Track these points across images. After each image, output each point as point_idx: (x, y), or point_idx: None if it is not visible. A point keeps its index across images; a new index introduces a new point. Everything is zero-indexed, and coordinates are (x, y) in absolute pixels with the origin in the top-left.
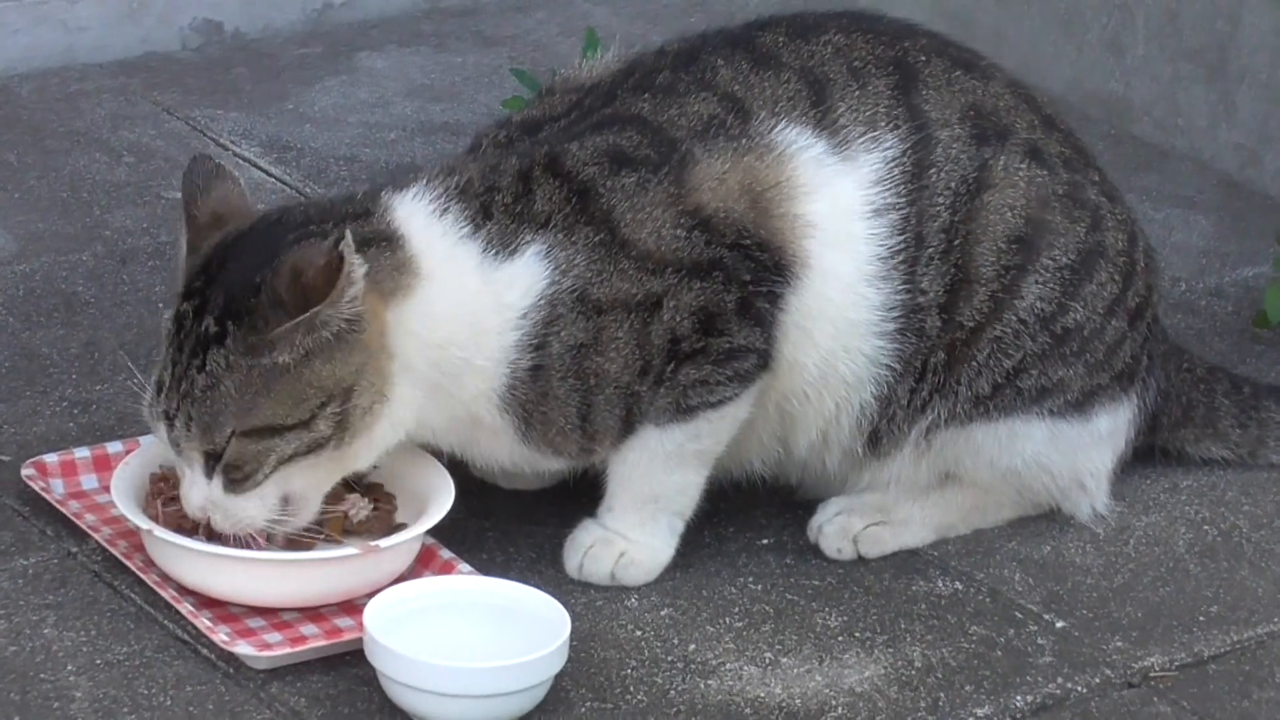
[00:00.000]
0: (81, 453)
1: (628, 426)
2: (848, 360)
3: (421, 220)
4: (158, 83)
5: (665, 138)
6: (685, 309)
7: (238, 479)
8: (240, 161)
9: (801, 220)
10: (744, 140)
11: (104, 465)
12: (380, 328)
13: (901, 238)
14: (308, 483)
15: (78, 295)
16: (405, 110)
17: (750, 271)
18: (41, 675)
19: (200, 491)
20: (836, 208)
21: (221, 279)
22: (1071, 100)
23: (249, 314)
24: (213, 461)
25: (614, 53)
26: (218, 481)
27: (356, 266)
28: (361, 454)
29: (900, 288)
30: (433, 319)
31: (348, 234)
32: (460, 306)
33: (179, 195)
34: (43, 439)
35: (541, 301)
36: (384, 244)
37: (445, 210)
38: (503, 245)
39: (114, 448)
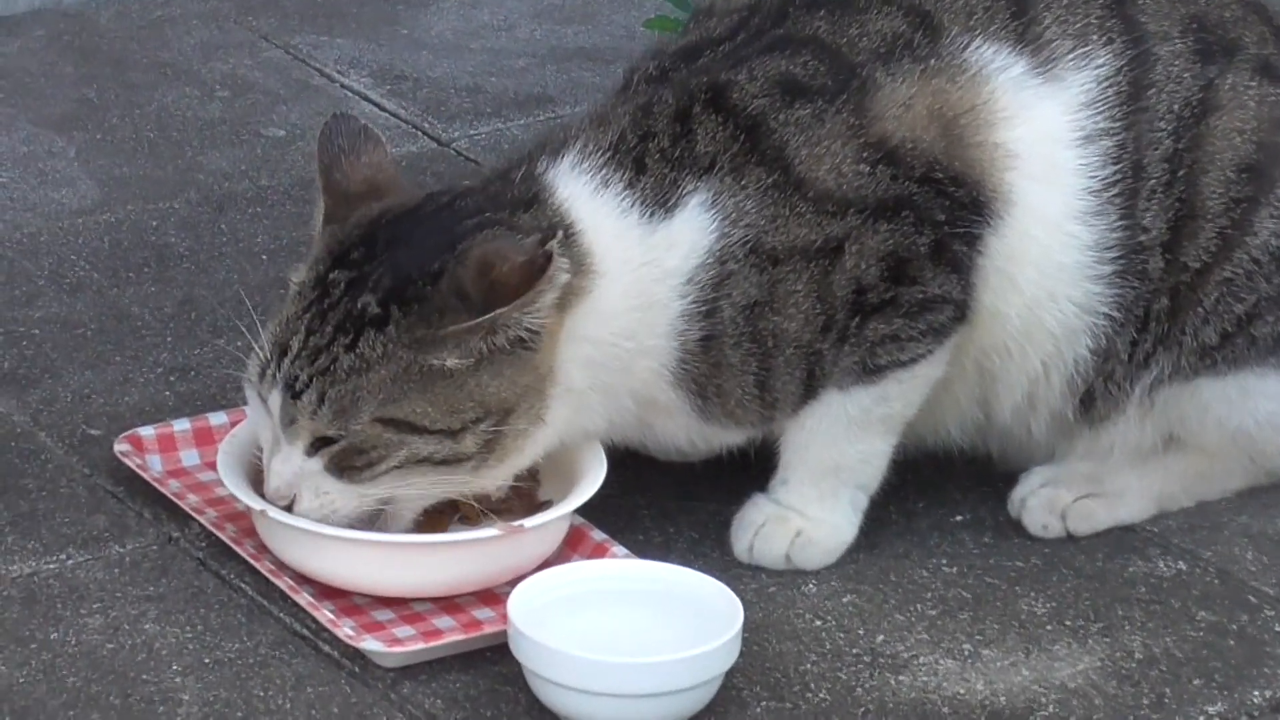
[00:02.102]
0: (181, 425)
1: (809, 390)
2: (1055, 309)
3: (586, 201)
4: (253, 6)
5: (844, 62)
6: (871, 255)
7: (356, 466)
8: (348, 94)
9: (1001, 150)
10: (933, 61)
11: (206, 439)
12: (552, 345)
13: (1116, 168)
14: (425, 490)
15: (170, 248)
16: (533, 34)
17: (944, 210)
18: (144, 676)
19: (292, 468)
20: (1041, 135)
21: (388, 257)
22: None
23: (420, 302)
24: (321, 443)
25: None
26: (317, 462)
27: (562, 271)
28: (495, 478)
29: (1116, 225)
30: (604, 316)
31: (559, 232)
32: (628, 292)
33: (280, 134)
34: (136, 410)
35: (709, 260)
36: (561, 242)
37: (606, 182)
38: (660, 201)
39: (217, 419)
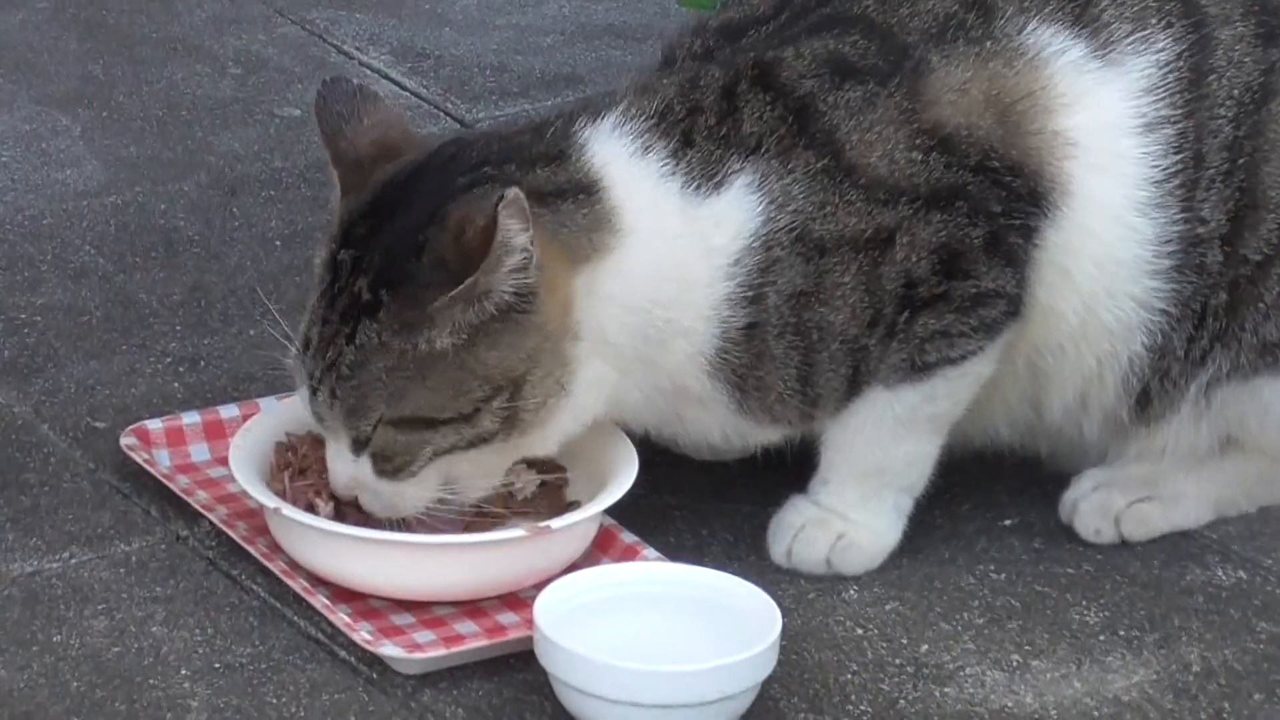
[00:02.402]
0: (190, 418)
1: (853, 387)
2: (1113, 305)
3: (623, 162)
4: None
5: (895, 42)
6: (923, 246)
7: (388, 470)
8: (366, 72)
9: (1060, 138)
10: (988, 43)
11: (217, 432)
12: (563, 302)
13: (1178, 157)
14: (476, 468)
15: (179, 232)
16: (562, 9)
17: (1000, 200)
18: (151, 681)
19: (346, 468)
20: (1101, 122)
21: (385, 230)
22: None
23: (406, 282)
24: (360, 445)
25: None
26: (366, 463)
27: (515, 231)
28: (541, 443)
29: (1176, 217)
30: (633, 279)
31: (514, 191)
32: (664, 258)
33: (295, 113)
34: (144, 402)
35: (755, 243)
36: (579, 196)
37: (648, 147)
38: (706, 176)
39: (228, 412)
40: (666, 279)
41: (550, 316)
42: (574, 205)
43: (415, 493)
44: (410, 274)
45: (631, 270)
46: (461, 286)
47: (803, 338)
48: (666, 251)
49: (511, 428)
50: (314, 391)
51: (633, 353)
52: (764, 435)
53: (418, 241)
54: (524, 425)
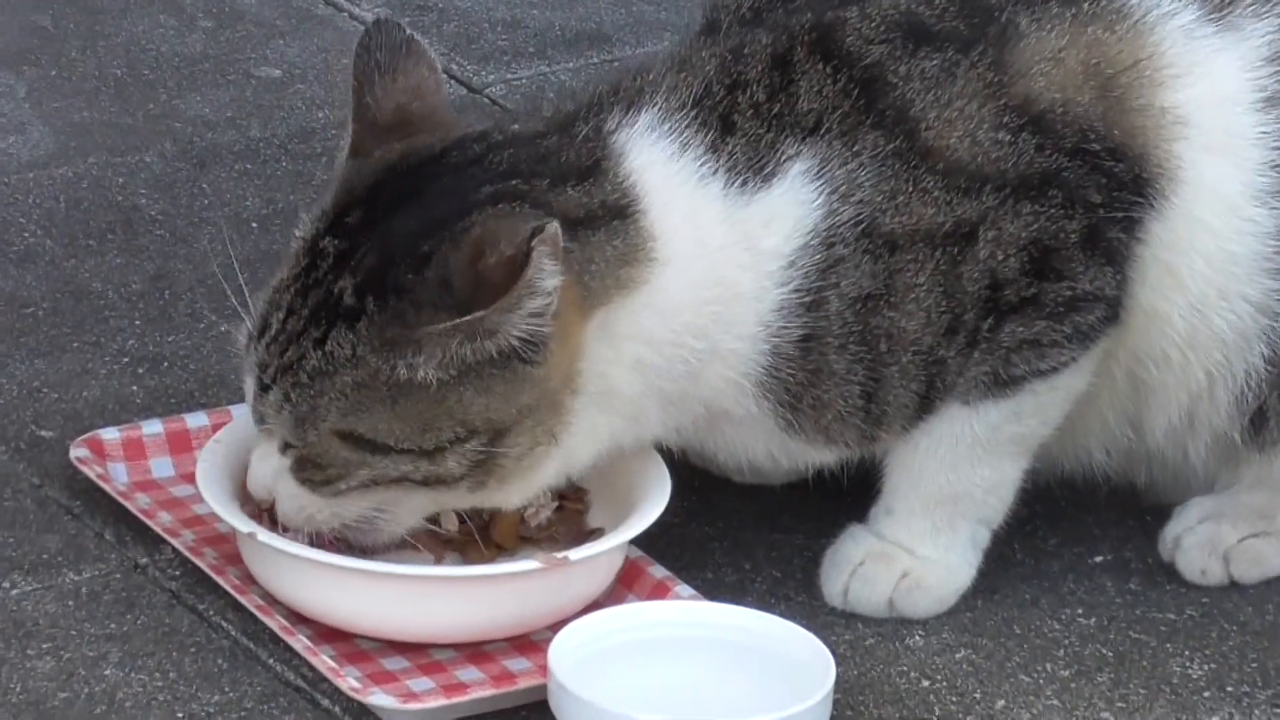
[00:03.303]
0: (151, 427)
1: (926, 405)
2: (1226, 309)
3: (660, 170)
4: None
5: (978, 3)
6: (1010, 242)
7: (313, 479)
8: (359, 27)
9: (1170, 115)
10: (1085, 4)
11: (182, 444)
12: (572, 353)
13: None
14: (414, 512)
15: (140, 211)
16: None
17: (1099, 189)
18: None
19: (270, 468)
20: (1216, 97)
21: (383, 225)
22: None
23: (399, 294)
24: (290, 445)
25: None
26: (288, 462)
27: (548, 273)
28: (507, 497)
29: None
30: (664, 311)
31: (554, 227)
32: (701, 282)
33: (275, 74)
34: (97, 408)
35: (814, 240)
36: (613, 223)
37: (685, 146)
38: (753, 168)
39: (195, 420)
40: (705, 303)
41: (555, 371)
42: (605, 235)
43: (329, 510)
44: (405, 287)
45: (663, 304)
46: (466, 318)
47: (869, 348)
48: (705, 270)
49: (486, 475)
50: (264, 388)
51: (648, 395)
52: (816, 456)
53: (421, 251)
54: (502, 474)
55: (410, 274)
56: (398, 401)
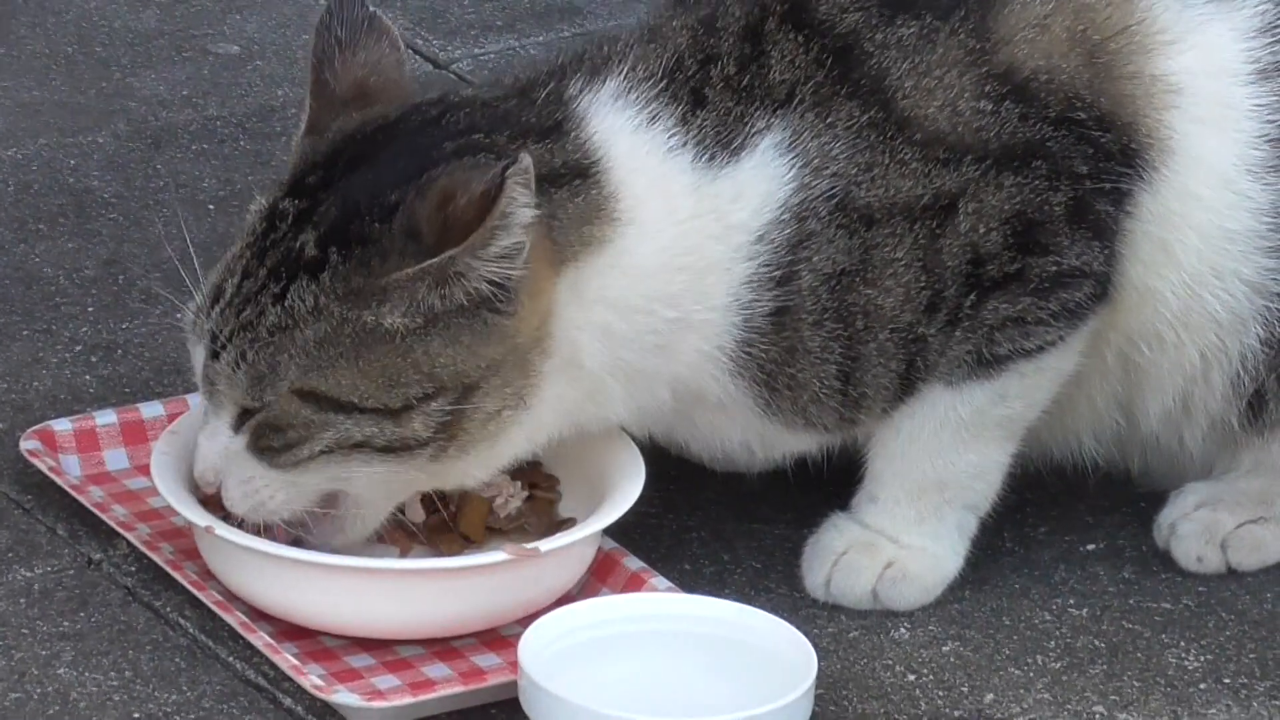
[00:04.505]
0: (105, 418)
1: (907, 386)
2: (1221, 288)
3: (627, 137)
4: None
5: None
6: (992, 215)
7: (274, 447)
8: (319, 2)
9: (1160, 84)
10: None
11: (137, 436)
12: (542, 311)
13: None
14: (374, 489)
15: (93, 193)
16: None
17: (1086, 159)
18: None
19: (218, 446)
20: (1210, 66)
21: (343, 184)
22: None
23: (364, 244)
24: (247, 416)
25: None
26: (243, 438)
27: (521, 204)
28: (469, 469)
29: None
30: (631, 275)
31: (525, 157)
32: (670, 249)
33: (233, 50)
34: (49, 398)
35: (784, 215)
36: (575, 181)
37: (655, 117)
38: (722, 141)
39: (151, 410)
40: (676, 271)
41: (524, 327)
42: (569, 193)
43: (287, 492)
44: (370, 236)
45: (630, 265)
46: (435, 260)
47: (845, 325)
48: (674, 238)
49: (450, 439)
50: (215, 354)
51: (614, 371)
52: (794, 442)
53: (386, 202)
54: (467, 439)
55: (376, 224)
56: (362, 355)
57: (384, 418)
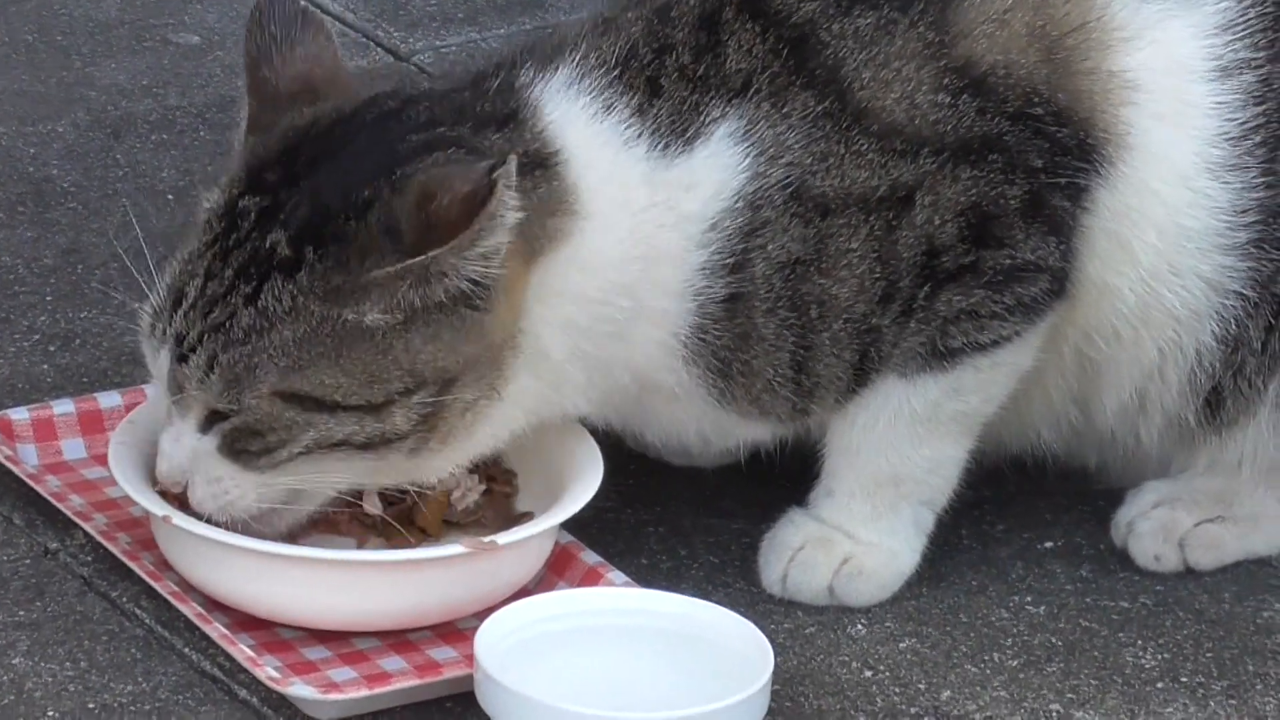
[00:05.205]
0: (62, 407)
1: (860, 377)
2: (1178, 285)
3: (580, 127)
4: None
5: None
6: (948, 208)
7: (252, 450)
8: None
9: (1117, 79)
10: None
11: (94, 425)
12: (515, 307)
13: (1259, 109)
14: (350, 476)
15: (52, 182)
16: None
17: (1042, 154)
18: None
19: (184, 448)
20: (1167, 63)
21: (309, 181)
22: None
23: (341, 242)
24: (215, 417)
25: None
26: (211, 440)
27: (509, 207)
28: (440, 464)
29: (1256, 181)
30: (589, 268)
31: (512, 159)
32: (626, 240)
33: (193, 40)
34: (6, 387)
35: (738, 203)
36: (536, 172)
37: (609, 106)
38: (676, 131)
39: (108, 400)
40: (631, 261)
41: (499, 324)
42: (532, 183)
43: (257, 491)
44: (347, 234)
45: (588, 260)
46: (419, 259)
47: (799, 314)
48: (632, 229)
49: (430, 431)
50: (183, 357)
51: (574, 360)
52: (747, 431)
53: (359, 198)
54: (447, 430)
55: (351, 221)
56: (343, 353)
57: (365, 414)
